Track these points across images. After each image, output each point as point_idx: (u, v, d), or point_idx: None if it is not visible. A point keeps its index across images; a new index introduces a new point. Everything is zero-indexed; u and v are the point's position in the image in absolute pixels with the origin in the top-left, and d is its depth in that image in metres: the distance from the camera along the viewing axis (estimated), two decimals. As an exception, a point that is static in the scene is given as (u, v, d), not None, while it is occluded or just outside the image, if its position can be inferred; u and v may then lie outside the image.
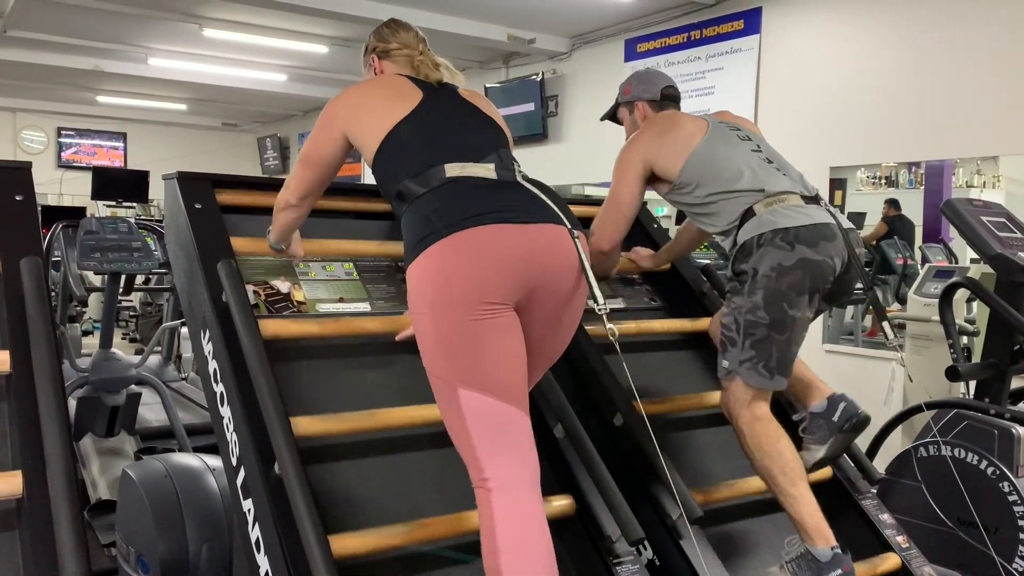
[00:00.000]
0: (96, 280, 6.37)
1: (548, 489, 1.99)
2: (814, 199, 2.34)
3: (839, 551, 2.15)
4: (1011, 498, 2.88)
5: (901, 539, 2.58)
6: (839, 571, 2.12)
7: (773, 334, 2.22)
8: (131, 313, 9.69)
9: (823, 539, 2.15)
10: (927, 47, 5.36)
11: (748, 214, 2.29)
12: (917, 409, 3.19)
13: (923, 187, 8.91)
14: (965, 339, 4.64)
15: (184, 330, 5.29)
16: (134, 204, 8.69)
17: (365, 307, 2.54)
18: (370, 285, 2.62)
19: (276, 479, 1.84)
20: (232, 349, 2.06)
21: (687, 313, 3.02)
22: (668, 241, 3.06)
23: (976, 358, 3.56)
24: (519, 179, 1.89)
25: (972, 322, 4.89)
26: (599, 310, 1.77)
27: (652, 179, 2.50)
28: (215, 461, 2.82)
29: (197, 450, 3.68)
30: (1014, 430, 2.94)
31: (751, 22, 6.33)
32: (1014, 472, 2.90)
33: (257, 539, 1.89)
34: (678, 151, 2.41)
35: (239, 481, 1.99)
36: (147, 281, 7.62)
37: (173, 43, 8.40)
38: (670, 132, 2.46)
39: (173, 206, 2.40)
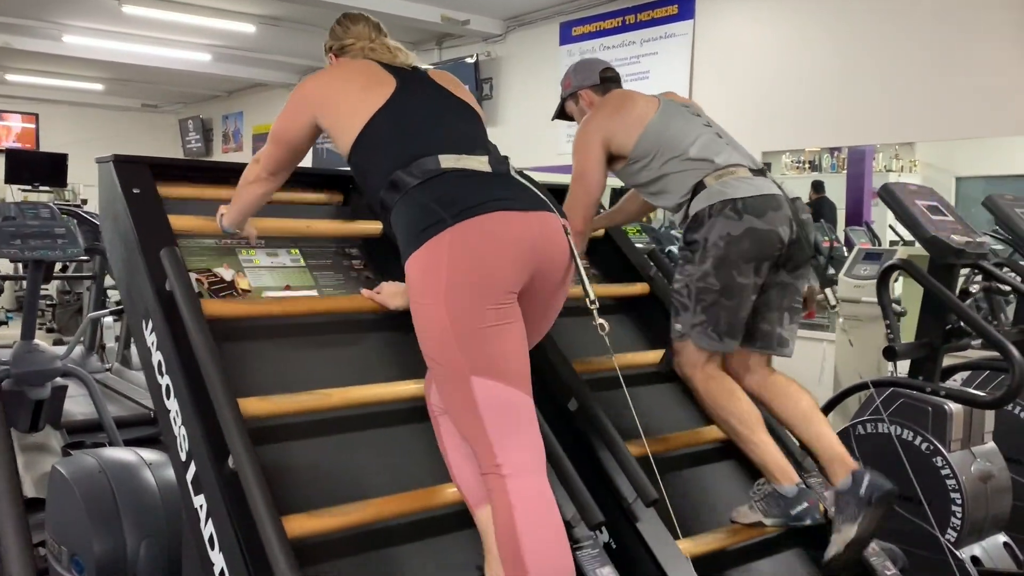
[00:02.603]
0: (9, 268, 6.06)
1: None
2: (761, 172, 2.43)
3: (803, 486, 2.30)
4: (944, 472, 2.99)
5: (842, 514, 2.63)
6: (805, 504, 2.27)
7: (722, 299, 2.31)
8: (48, 302, 9.27)
9: (787, 477, 2.30)
10: (853, 37, 5.52)
11: (699, 187, 2.36)
12: (863, 386, 3.28)
13: (845, 171, 9.21)
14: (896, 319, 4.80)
15: (108, 319, 5.11)
16: (50, 189, 8.33)
17: (313, 295, 2.47)
18: (317, 272, 2.56)
19: (231, 473, 1.77)
20: (178, 340, 1.98)
21: (620, 277, 3.01)
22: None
23: (905, 338, 3.67)
24: (512, 172, 1.92)
25: (898, 302, 5.06)
26: (590, 304, 1.81)
27: (608, 158, 2.51)
28: (151, 455, 2.74)
29: (127, 443, 3.56)
30: (947, 406, 3.04)
31: (685, 7, 6.40)
32: (946, 447, 3.01)
33: (211, 536, 1.82)
34: (633, 125, 2.46)
35: (189, 477, 1.91)
36: (64, 269, 7.30)
37: (90, 19, 8.05)
38: (624, 108, 2.51)
39: (109, 192, 2.28)
